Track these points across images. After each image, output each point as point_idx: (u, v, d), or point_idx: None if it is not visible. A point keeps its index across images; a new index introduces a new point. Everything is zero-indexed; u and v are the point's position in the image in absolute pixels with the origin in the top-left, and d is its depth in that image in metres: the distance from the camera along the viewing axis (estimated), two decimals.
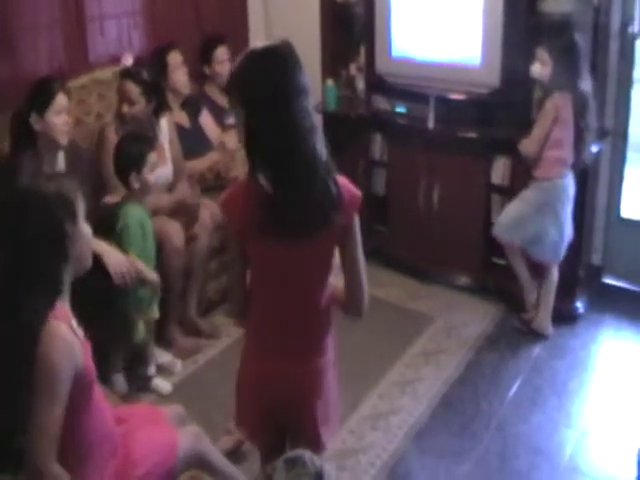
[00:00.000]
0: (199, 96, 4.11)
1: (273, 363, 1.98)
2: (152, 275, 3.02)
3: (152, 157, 3.10)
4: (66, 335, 1.77)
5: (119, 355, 3.20)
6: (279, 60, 1.77)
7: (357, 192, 1.89)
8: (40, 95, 3.03)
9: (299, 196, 1.77)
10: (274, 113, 1.75)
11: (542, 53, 3.36)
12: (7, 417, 1.79)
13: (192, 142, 3.86)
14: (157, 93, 3.52)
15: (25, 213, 1.80)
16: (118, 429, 2.04)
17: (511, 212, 3.54)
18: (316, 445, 2.04)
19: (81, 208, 1.88)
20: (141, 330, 3.09)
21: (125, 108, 3.42)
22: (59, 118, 3.03)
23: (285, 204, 1.77)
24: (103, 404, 1.97)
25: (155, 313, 3.16)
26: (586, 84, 3.31)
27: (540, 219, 3.45)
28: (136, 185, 3.05)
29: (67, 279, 1.86)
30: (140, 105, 3.43)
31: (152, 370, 3.26)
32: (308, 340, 1.99)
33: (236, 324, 2.04)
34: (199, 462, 2.19)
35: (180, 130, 3.78)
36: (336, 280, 1.99)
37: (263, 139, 1.77)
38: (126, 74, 3.49)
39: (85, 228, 1.90)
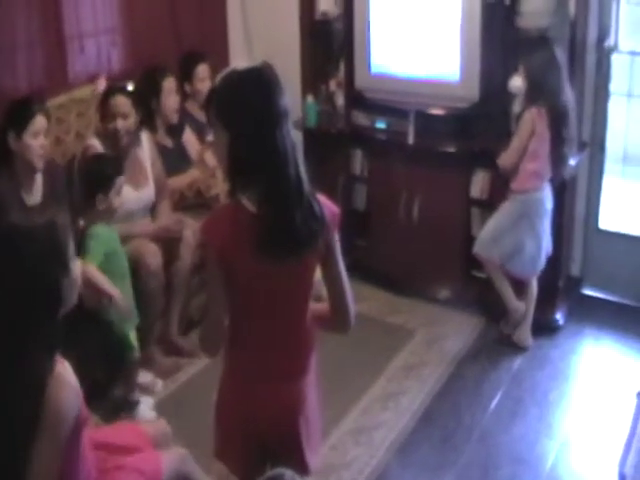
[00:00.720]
0: (181, 115, 4.10)
1: (257, 386, 1.95)
2: (115, 292, 2.96)
3: (120, 180, 3.09)
4: (71, 379, 1.77)
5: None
6: (263, 83, 1.78)
7: (336, 209, 1.91)
8: (19, 115, 3.04)
9: (286, 216, 1.77)
10: (259, 136, 1.76)
11: (522, 67, 3.41)
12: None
13: (174, 160, 3.86)
14: (142, 105, 3.55)
15: (18, 270, 1.74)
16: (99, 454, 2.02)
17: (489, 227, 3.57)
18: (302, 468, 2.00)
19: (72, 247, 1.86)
20: (134, 340, 3.07)
21: (120, 123, 3.40)
22: (36, 140, 3.02)
23: (273, 224, 1.76)
24: (88, 450, 1.94)
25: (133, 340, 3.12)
26: (567, 97, 3.35)
27: (517, 233, 3.47)
28: (101, 207, 3.04)
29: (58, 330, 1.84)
30: (132, 117, 3.44)
31: (137, 395, 3.21)
32: (293, 360, 1.98)
33: (204, 353, 2.00)
34: None
35: (162, 149, 3.78)
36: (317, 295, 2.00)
37: (248, 161, 1.78)
38: (113, 90, 3.49)
39: (75, 268, 1.87)
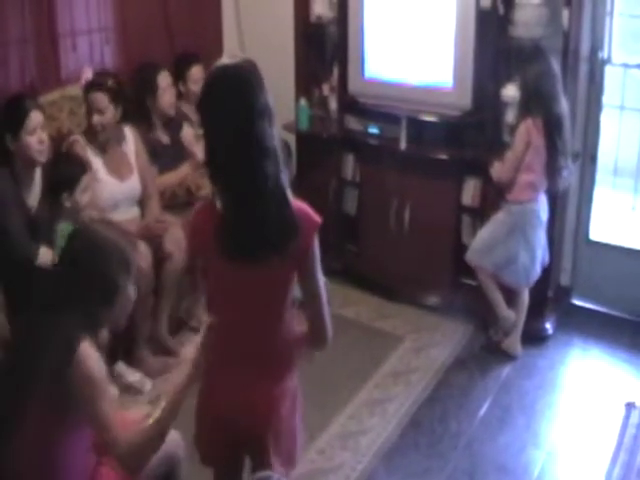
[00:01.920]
0: (178, 113, 4.09)
1: (227, 389, 1.93)
2: None
3: (85, 179, 3.14)
4: (96, 355, 1.92)
5: None
6: (240, 79, 1.75)
7: (316, 218, 1.85)
8: (12, 115, 3.03)
9: (246, 216, 1.74)
10: (228, 132, 1.73)
11: (518, 77, 3.42)
12: None
13: (170, 157, 3.84)
14: (122, 99, 3.53)
15: (106, 252, 1.96)
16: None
17: (482, 236, 3.57)
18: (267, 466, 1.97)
19: (134, 274, 2.04)
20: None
21: (96, 118, 3.41)
22: (33, 137, 3.02)
23: (234, 224, 1.74)
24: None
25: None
26: (562, 108, 3.35)
27: (511, 243, 3.47)
28: (67, 204, 3.09)
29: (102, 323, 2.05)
30: (110, 113, 3.43)
31: None
32: (262, 368, 1.93)
33: None
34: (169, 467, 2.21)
35: (158, 146, 3.78)
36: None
37: (218, 157, 1.76)
38: (91, 85, 3.49)
39: (131, 291, 2.05)
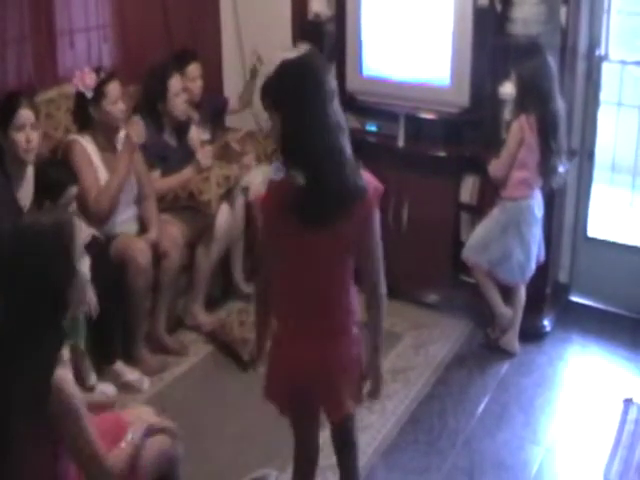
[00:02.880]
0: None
1: (297, 341, 2.16)
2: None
3: (71, 190, 3.06)
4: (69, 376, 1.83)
5: None
6: (313, 68, 2.01)
7: (380, 186, 2.07)
8: (3, 110, 3.01)
9: (327, 185, 1.95)
10: (307, 115, 1.95)
11: (514, 74, 3.40)
12: None
13: (177, 161, 3.81)
14: (147, 105, 3.61)
15: (26, 270, 1.77)
16: None
17: (478, 233, 3.58)
18: (341, 414, 2.23)
19: (79, 248, 1.86)
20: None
21: (120, 106, 3.41)
22: (20, 134, 2.99)
23: (316, 194, 1.95)
24: None
25: (81, 344, 3.08)
26: (557, 106, 3.34)
27: (505, 240, 3.47)
28: None
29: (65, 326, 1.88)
30: (124, 104, 3.45)
31: (92, 379, 3.19)
32: (332, 320, 2.16)
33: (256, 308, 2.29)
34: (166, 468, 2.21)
35: (166, 148, 3.77)
36: None
37: (298, 138, 1.97)
38: (106, 78, 3.43)
39: (83, 268, 1.88)
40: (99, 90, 3.37)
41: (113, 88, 3.40)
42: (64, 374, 1.80)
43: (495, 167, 3.47)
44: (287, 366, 2.20)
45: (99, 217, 3.32)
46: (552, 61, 3.35)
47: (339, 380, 2.18)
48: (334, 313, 2.16)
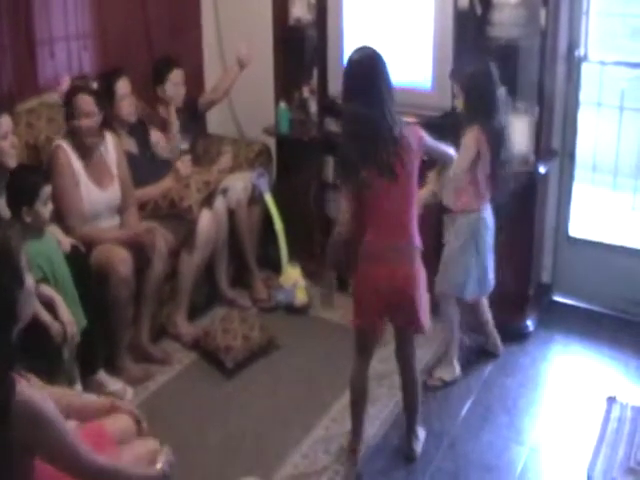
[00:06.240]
0: (147, 118, 4.07)
1: (379, 266, 2.71)
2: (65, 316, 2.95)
3: (45, 190, 3.01)
4: (38, 398, 1.75)
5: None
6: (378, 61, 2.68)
7: (420, 132, 2.72)
8: None
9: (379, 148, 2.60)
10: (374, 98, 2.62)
11: (455, 83, 3.34)
12: None
13: (143, 169, 3.81)
14: (104, 104, 3.52)
15: None
16: None
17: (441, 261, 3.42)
18: (417, 326, 2.81)
19: (25, 262, 1.80)
20: (65, 356, 3.02)
21: (85, 122, 3.36)
22: (4, 142, 3.00)
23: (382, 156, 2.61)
24: None
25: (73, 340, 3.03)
26: (501, 116, 3.22)
27: (464, 259, 3.34)
28: (28, 219, 2.95)
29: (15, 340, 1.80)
30: (96, 116, 3.40)
31: (77, 388, 3.16)
32: (408, 241, 2.72)
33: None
34: None
35: (129, 157, 3.72)
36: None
37: (356, 123, 2.65)
38: (77, 88, 3.46)
39: (30, 281, 1.82)
40: (70, 102, 3.38)
41: (82, 102, 3.38)
42: (28, 391, 1.72)
43: (456, 179, 3.24)
44: (375, 285, 2.71)
45: (73, 233, 3.32)
46: (495, 69, 3.21)
47: (415, 297, 2.73)
48: (405, 242, 2.72)
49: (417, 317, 2.77)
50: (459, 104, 3.38)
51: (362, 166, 2.60)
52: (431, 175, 3.36)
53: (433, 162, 3.24)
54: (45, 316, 2.90)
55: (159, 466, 2.12)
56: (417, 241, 2.75)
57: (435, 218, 3.86)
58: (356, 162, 2.61)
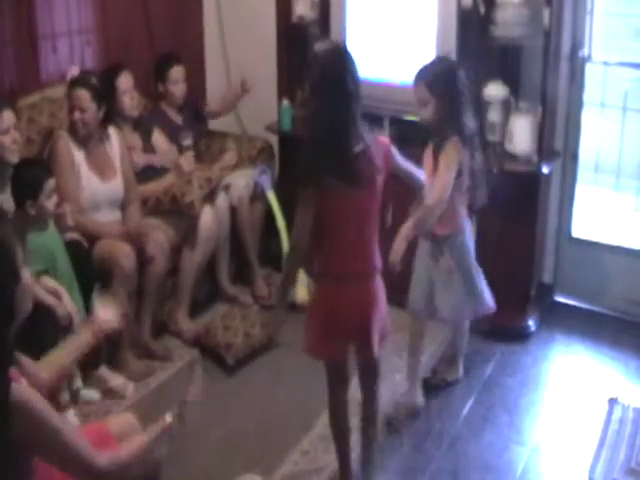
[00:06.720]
0: (151, 115, 4.07)
1: (338, 287, 2.47)
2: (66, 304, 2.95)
3: (49, 183, 3.02)
4: (30, 390, 1.75)
5: None
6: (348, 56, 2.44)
7: (386, 142, 2.51)
8: None
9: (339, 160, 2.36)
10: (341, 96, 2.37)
11: (420, 89, 2.94)
12: None
13: (145, 166, 3.83)
14: (106, 99, 3.52)
15: None
16: None
17: (423, 291, 3.17)
18: (371, 352, 2.55)
19: (21, 258, 1.77)
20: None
21: (77, 115, 3.39)
22: (6, 137, 3.00)
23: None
24: None
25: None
26: (471, 122, 2.95)
27: (466, 283, 3.10)
28: (32, 212, 2.97)
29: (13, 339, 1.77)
30: (91, 111, 3.41)
31: (78, 383, 3.17)
32: (364, 265, 2.48)
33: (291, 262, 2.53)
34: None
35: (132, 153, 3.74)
36: None
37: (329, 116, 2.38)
38: (75, 82, 3.48)
39: (26, 276, 1.79)
40: (69, 95, 3.41)
41: (78, 95, 3.40)
42: (24, 390, 1.71)
43: (438, 201, 2.85)
44: (331, 306, 2.48)
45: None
46: (462, 74, 2.94)
47: (372, 322, 2.49)
48: (366, 259, 2.48)
49: (370, 345, 2.52)
50: (426, 114, 2.96)
51: (323, 173, 2.32)
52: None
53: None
54: (49, 299, 2.89)
55: (168, 419, 2.11)
56: (377, 262, 2.52)
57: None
58: (317, 168, 2.34)
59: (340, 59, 2.38)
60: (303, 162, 2.41)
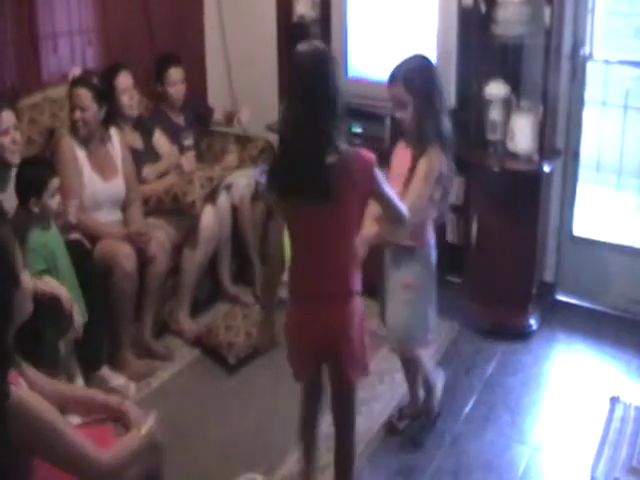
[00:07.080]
0: (153, 116, 4.07)
1: (308, 309, 2.34)
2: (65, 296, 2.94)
3: (54, 182, 3.03)
4: (29, 393, 1.75)
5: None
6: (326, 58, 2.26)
7: (370, 157, 2.20)
8: None
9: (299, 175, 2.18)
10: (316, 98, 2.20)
11: (397, 89, 2.71)
12: None
13: (147, 164, 3.83)
14: (108, 100, 3.53)
15: None
16: None
17: (408, 315, 2.89)
18: (346, 381, 2.41)
19: (20, 261, 1.75)
20: (62, 351, 3.02)
21: (77, 114, 3.40)
22: (5, 137, 3.00)
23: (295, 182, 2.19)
24: None
25: (77, 332, 3.05)
26: (448, 128, 2.74)
27: (424, 300, 2.87)
28: (35, 210, 2.98)
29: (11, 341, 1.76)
30: (92, 111, 3.42)
31: (79, 382, 3.17)
32: (337, 287, 2.30)
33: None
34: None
35: (133, 152, 3.73)
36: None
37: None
38: (76, 81, 3.49)
39: (26, 279, 1.79)
40: (70, 94, 3.42)
41: (79, 95, 3.41)
42: (23, 392, 1.71)
43: (412, 211, 2.43)
44: (300, 328, 2.38)
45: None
46: (439, 75, 2.76)
47: (341, 349, 2.34)
48: (339, 280, 2.31)
49: (339, 369, 2.39)
50: (405, 116, 2.72)
51: (285, 182, 2.19)
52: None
53: None
54: (52, 285, 2.89)
55: (143, 431, 2.07)
56: (353, 284, 2.31)
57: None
58: (284, 181, 2.20)
59: (317, 62, 2.19)
60: (268, 169, 2.34)
